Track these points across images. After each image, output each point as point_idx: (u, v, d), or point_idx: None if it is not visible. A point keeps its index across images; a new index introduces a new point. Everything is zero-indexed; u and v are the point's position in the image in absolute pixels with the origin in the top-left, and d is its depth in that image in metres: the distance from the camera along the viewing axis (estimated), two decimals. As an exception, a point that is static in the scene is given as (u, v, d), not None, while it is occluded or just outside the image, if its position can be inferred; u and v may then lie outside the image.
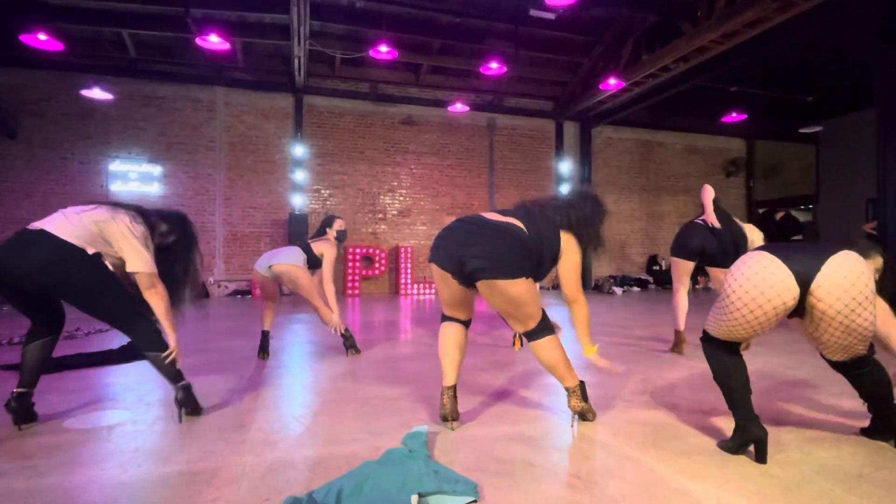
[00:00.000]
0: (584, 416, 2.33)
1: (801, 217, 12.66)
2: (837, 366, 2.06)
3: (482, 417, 2.46)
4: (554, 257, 2.33)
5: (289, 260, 3.78)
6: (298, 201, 9.89)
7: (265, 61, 9.93)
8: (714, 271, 4.05)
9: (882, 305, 1.98)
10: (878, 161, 6.41)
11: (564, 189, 11.75)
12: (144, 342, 2.33)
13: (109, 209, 2.36)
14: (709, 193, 4.01)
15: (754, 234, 4.12)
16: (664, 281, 11.93)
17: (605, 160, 12.61)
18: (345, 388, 3.01)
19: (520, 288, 2.13)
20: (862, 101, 10.88)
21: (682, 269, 4.08)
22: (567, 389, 2.29)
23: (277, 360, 3.79)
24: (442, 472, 1.74)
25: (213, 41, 7.23)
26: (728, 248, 3.86)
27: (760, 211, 9.37)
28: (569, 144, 12.08)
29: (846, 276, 1.80)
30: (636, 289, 11.60)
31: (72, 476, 1.79)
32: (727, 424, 2.14)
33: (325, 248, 3.90)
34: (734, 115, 11.43)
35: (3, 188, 8.64)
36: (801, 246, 1.98)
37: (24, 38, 7.06)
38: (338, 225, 4.13)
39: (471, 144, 11.37)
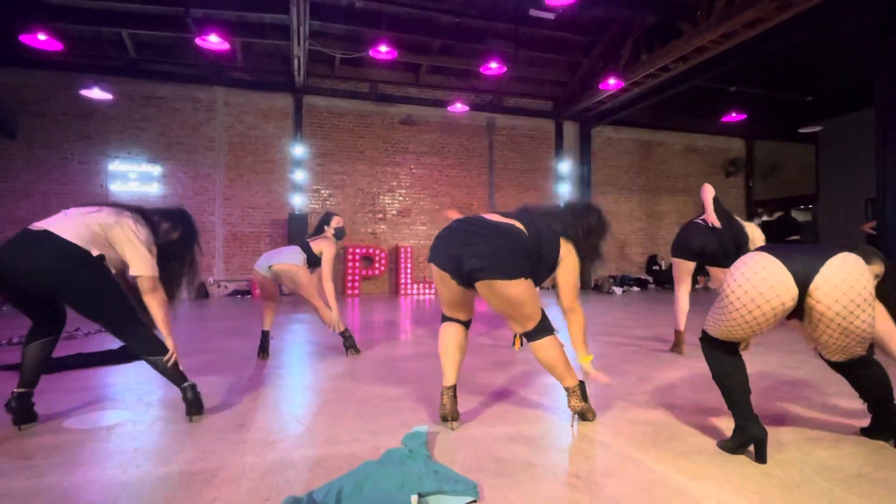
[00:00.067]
0: (583, 415, 2.33)
1: (801, 217, 12.70)
2: (836, 366, 2.06)
3: (482, 417, 2.46)
4: (552, 263, 2.32)
5: (289, 259, 3.78)
6: (298, 201, 9.89)
7: (265, 61, 9.93)
8: (714, 271, 4.02)
9: (880, 308, 1.98)
10: (877, 161, 6.42)
11: (564, 187, 11.76)
12: (142, 347, 2.32)
13: (113, 212, 2.36)
14: (709, 192, 3.98)
15: (755, 233, 4.09)
16: (664, 281, 11.94)
17: (605, 160, 12.61)
18: (345, 388, 3.01)
19: (518, 289, 2.13)
20: (861, 101, 10.90)
21: (683, 270, 4.07)
22: (567, 389, 2.29)
23: (277, 360, 3.79)
24: (442, 472, 1.74)
25: (213, 41, 7.23)
26: (728, 248, 3.84)
27: (764, 218, 9.39)
28: (568, 144, 12.08)
29: (845, 277, 1.80)
30: (636, 289, 11.60)
31: (72, 476, 1.79)
32: (727, 424, 2.14)
33: (324, 246, 3.90)
34: (734, 115, 11.44)
35: (2, 188, 8.63)
36: (801, 247, 1.98)
37: (24, 38, 7.05)
38: (335, 222, 4.13)
39: (470, 144, 11.37)
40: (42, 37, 7.02)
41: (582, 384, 2.34)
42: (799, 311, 1.90)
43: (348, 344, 4.00)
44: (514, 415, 2.50)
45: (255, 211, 9.95)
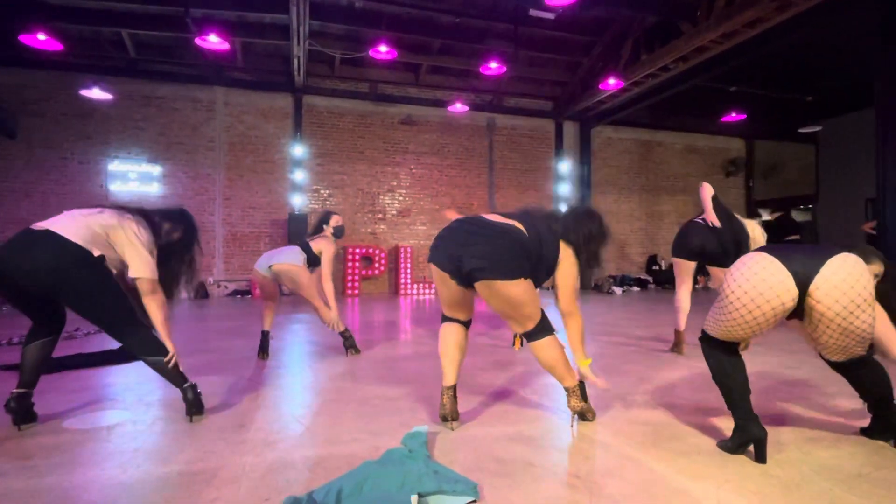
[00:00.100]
0: (583, 415, 2.33)
1: (801, 217, 12.69)
2: (836, 366, 2.06)
3: (482, 417, 2.46)
4: (551, 264, 2.31)
5: (289, 259, 3.78)
6: (298, 201, 9.89)
7: (265, 61, 9.93)
8: (714, 270, 4.00)
9: (879, 309, 1.98)
10: (877, 161, 6.42)
11: (564, 187, 11.76)
12: (142, 348, 2.32)
13: (116, 214, 2.36)
14: (707, 191, 3.96)
15: (756, 231, 4.06)
16: (664, 281, 11.94)
17: (605, 160, 12.61)
18: (344, 388, 3.01)
19: (518, 289, 2.12)
20: (861, 101, 10.90)
21: (684, 269, 4.06)
22: (567, 389, 2.29)
23: (277, 360, 3.79)
24: (442, 472, 1.74)
25: (213, 41, 7.23)
26: (728, 248, 3.83)
27: (764, 218, 9.37)
28: (568, 144, 12.08)
29: (845, 278, 1.80)
30: (636, 289, 11.60)
31: (71, 476, 1.79)
32: (727, 424, 2.14)
33: (324, 245, 3.90)
34: (734, 114, 11.44)
35: (2, 188, 8.63)
36: (801, 247, 1.98)
37: (24, 38, 7.05)
38: (334, 221, 4.12)
39: (470, 144, 11.37)
40: (42, 37, 7.02)
41: (582, 384, 2.34)
42: (799, 311, 1.90)
43: (348, 344, 4.00)
44: (514, 415, 2.50)
45: (255, 211, 9.95)
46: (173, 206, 2.76)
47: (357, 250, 10.16)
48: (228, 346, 4.42)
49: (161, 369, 2.34)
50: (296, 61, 8.74)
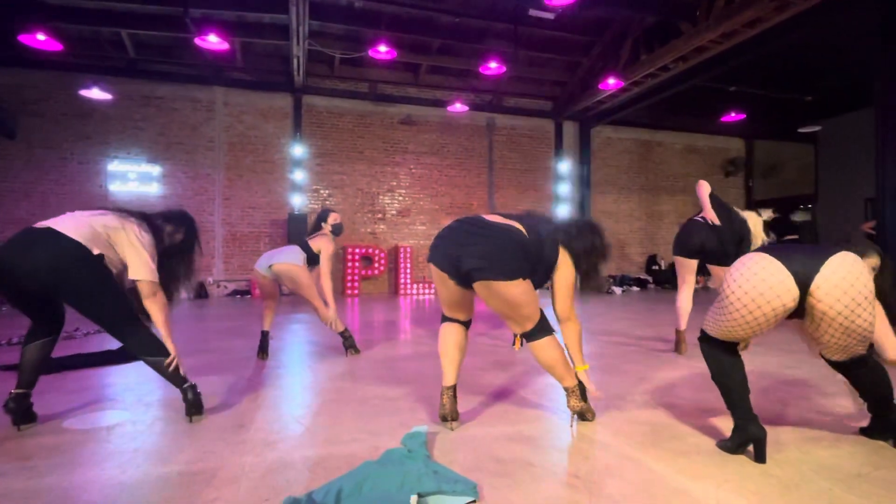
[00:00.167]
0: (583, 415, 2.33)
1: (801, 217, 12.70)
2: (837, 366, 2.06)
3: (482, 417, 2.46)
4: (549, 267, 2.31)
5: (289, 259, 3.78)
6: (298, 201, 9.88)
7: (264, 61, 9.93)
8: (715, 269, 3.98)
9: (876, 308, 1.98)
10: (876, 161, 6.42)
11: (564, 187, 11.76)
12: (142, 348, 2.32)
13: (118, 216, 2.37)
14: (704, 189, 3.93)
15: (757, 223, 4.01)
16: (663, 281, 11.95)
17: (605, 160, 12.61)
18: (344, 388, 3.01)
19: (517, 289, 2.12)
20: (861, 101, 10.90)
21: (686, 268, 4.05)
22: (566, 389, 2.29)
23: (277, 361, 3.79)
24: (441, 472, 1.74)
25: (212, 41, 7.22)
26: (728, 247, 3.82)
27: (763, 218, 9.37)
28: (568, 144, 12.09)
29: (845, 276, 1.80)
30: (635, 288, 11.60)
31: (71, 476, 1.79)
32: (726, 424, 2.14)
33: (323, 244, 3.90)
34: (733, 114, 11.44)
35: (2, 188, 8.62)
36: (801, 247, 1.98)
37: (23, 38, 7.05)
38: (332, 218, 4.12)
39: (470, 144, 11.37)
40: (41, 37, 7.02)
41: (581, 384, 2.34)
42: (800, 311, 1.90)
43: (348, 344, 4.00)
44: (513, 415, 2.50)
45: (255, 211, 9.95)
46: (174, 208, 2.76)
47: (357, 250, 10.16)
48: (228, 346, 4.42)
49: (161, 369, 2.34)
50: (295, 61, 8.74)
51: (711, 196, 3.94)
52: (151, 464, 1.91)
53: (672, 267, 11.35)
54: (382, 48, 7.93)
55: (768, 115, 12.43)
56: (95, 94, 8.31)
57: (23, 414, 2.27)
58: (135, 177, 9.26)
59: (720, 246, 3.84)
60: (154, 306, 2.34)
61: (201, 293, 9.31)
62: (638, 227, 12.89)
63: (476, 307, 2.50)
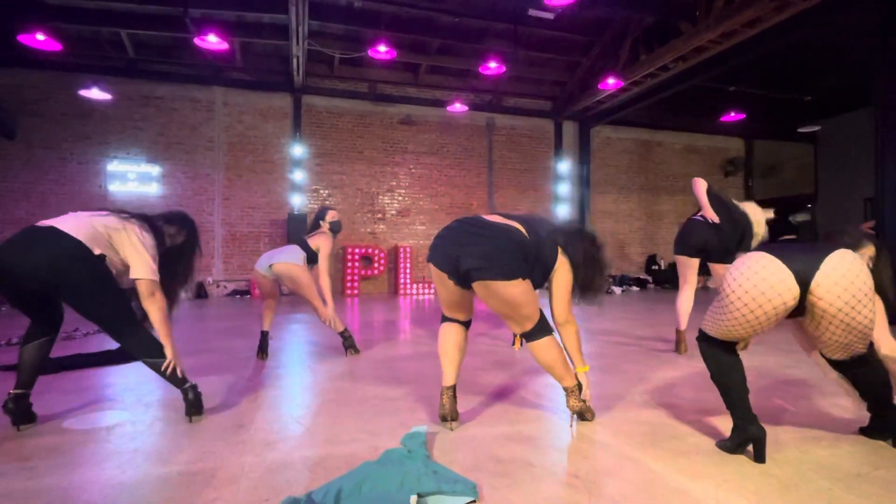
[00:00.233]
0: (582, 415, 2.33)
1: (801, 217, 12.70)
2: (837, 365, 2.06)
3: (481, 417, 2.46)
4: (548, 268, 2.30)
5: (289, 259, 3.78)
6: (297, 201, 9.88)
7: (264, 61, 9.93)
8: (716, 268, 3.95)
9: (879, 308, 1.98)
10: (876, 160, 6.43)
11: (563, 187, 11.76)
12: (141, 349, 2.32)
13: (120, 218, 2.38)
14: (701, 186, 3.89)
15: (757, 213, 3.96)
16: (663, 280, 11.95)
17: (604, 160, 12.62)
18: (344, 388, 3.01)
19: (517, 289, 2.12)
20: (860, 101, 10.91)
21: (687, 267, 4.02)
22: (566, 389, 2.29)
23: (276, 361, 3.79)
24: (441, 472, 1.74)
25: (212, 41, 7.23)
26: (731, 243, 3.81)
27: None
28: (567, 144, 12.09)
29: (844, 273, 1.80)
30: (635, 288, 11.61)
31: (71, 477, 1.79)
32: (726, 424, 2.14)
33: (322, 242, 3.91)
34: (733, 114, 11.45)
35: (1, 188, 8.62)
36: (800, 245, 1.98)
37: (23, 39, 7.05)
38: (330, 216, 4.12)
39: (469, 144, 11.37)
40: (41, 37, 7.02)
41: (581, 384, 2.34)
42: (800, 309, 1.90)
43: (347, 344, 4.00)
44: (513, 415, 2.50)
45: (255, 211, 9.95)
46: (175, 210, 2.77)
47: (356, 250, 10.16)
48: (227, 346, 4.42)
49: (160, 370, 2.34)
50: (295, 61, 8.74)
51: (709, 192, 3.91)
52: (151, 464, 1.91)
53: (672, 267, 11.36)
54: (382, 48, 7.93)
55: (768, 115, 12.44)
56: (95, 94, 8.31)
57: (22, 414, 2.27)
58: (134, 177, 9.25)
59: (722, 243, 3.82)
60: (152, 306, 2.34)
61: (201, 293, 9.31)
62: (637, 227, 12.90)
63: (476, 307, 2.50)
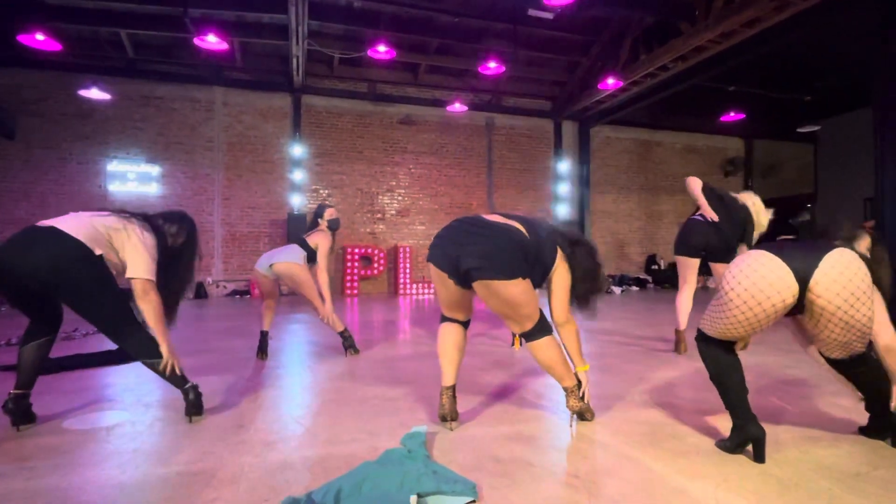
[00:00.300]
0: (582, 415, 2.33)
1: (801, 217, 12.71)
2: (836, 364, 2.06)
3: (481, 417, 2.46)
4: (547, 268, 2.30)
5: (289, 258, 3.78)
6: (297, 201, 9.89)
7: (263, 61, 9.93)
8: (717, 267, 3.94)
9: (877, 300, 1.98)
10: (876, 160, 6.43)
11: (563, 187, 11.76)
12: (141, 350, 2.32)
13: (121, 218, 2.37)
14: (696, 185, 3.87)
15: (757, 201, 3.94)
16: (663, 280, 11.95)
17: (604, 160, 12.62)
18: (344, 388, 3.01)
19: (517, 289, 2.12)
20: (859, 101, 10.92)
21: (687, 267, 4.01)
22: (565, 389, 2.29)
23: (276, 361, 3.79)
24: (441, 472, 1.75)
25: (212, 41, 7.22)
26: (732, 241, 3.80)
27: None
28: (567, 144, 12.09)
29: (843, 271, 1.81)
30: (635, 288, 11.61)
31: (70, 477, 1.79)
32: (725, 424, 2.14)
33: (320, 239, 3.91)
34: (732, 114, 11.45)
35: (1, 188, 8.62)
36: (799, 244, 1.98)
37: (22, 39, 7.04)
38: (329, 214, 4.12)
39: (469, 144, 11.37)
40: (40, 37, 7.01)
41: (580, 383, 2.34)
42: (799, 307, 1.90)
43: (347, 344, 4.00)
44: (513, 415, 2.51)
45: (254, 211, 9.95)
46: (174, 210, 2.76)
47: (356, 250, 10.16)
48: (227, 346, 4.42)
49: (160, 371, 2.33)
50: (294, 61, 8.74)
51: (706, 189, 3.89)
52: (151, 464, 1.91)
53: (672, 266, 11.37)
54: (381, 48, 7.93)
55: (767, 115, 12.45)
56: (94, 94, 8.31)
57: (22, 414, 2.27)
58: (134, 177, 9.25)
59: (722, 243, 3.81)
60: (146, 305, 2.33)
61: (200, 293, 9.31)
62: (637, 227, 12.90)
63: (476, 307, 2.50)
